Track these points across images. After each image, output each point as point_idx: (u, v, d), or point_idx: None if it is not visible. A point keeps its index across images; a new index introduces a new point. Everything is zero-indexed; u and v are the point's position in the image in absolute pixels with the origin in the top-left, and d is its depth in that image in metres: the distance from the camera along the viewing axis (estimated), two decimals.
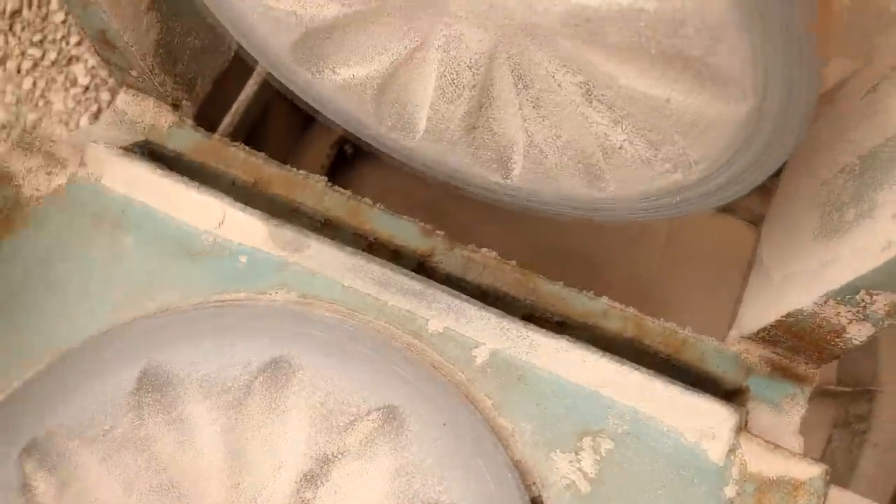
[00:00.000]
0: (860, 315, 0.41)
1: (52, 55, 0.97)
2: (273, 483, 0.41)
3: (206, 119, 0.56)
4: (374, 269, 0.45)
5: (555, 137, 0.40)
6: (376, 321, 0.44)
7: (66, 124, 0.91)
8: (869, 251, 0.38)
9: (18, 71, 0.96)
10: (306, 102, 0.46)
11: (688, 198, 0.41)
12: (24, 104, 0.94)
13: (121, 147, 0.49)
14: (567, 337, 0.45)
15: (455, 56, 0.37)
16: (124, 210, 0.47)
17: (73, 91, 0.95)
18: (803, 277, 0.44)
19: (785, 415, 0.48)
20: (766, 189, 0.54)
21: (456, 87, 0.38)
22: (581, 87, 0.36)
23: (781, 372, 0.48)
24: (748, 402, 0.48)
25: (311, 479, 0.41)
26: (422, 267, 0.50)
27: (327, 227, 0.52)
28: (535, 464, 0.42)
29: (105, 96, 0.94)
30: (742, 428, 0.44)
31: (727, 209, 0.83)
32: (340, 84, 0.41)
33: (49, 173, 0.46)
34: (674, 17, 0.29)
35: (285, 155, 0.71)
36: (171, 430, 0.41)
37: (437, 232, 0.50)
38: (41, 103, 0.95)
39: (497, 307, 0.46)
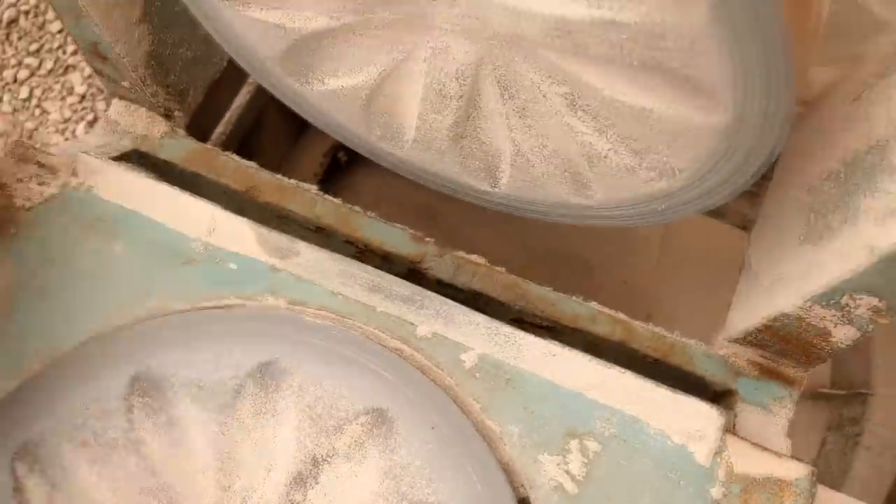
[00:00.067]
0: (845, 319, 0.42)
1: (48, 64, 0.97)
2: (263, 485, 0.41)
3: (199, 128, 0.57)
4: (364, 276, 0.46)
5: (541, 147, 0.40)
6: (365, 326, 0.45)
7: (63, 133, 0.92)
8: (852, 255, 0.38)
9: (15, 80, 0.97)
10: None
11: (673, 204, 0.41)
12: (20, 113, 0.95)
13: (113, 156, 0.49)
14: (555, 341, 0.45)
15: (442, 67, 0.37)
16: (116, 218, 0.47)
17: (69, 100, 0.95)
18: (789, 281, 0.44)
19: (773, 417, 0.48)
20: (758, 195, 0.55)
21: (443, 97, 0.39)
22: (565, 98, 0.36)
23: (769, 374, 0.49)
24: (736, 405, 0.48)
25: (300, 481, 0.41)
26: (412, 273, 0.51)
27: (318, 235, 0.52)
28: (523, 466, 0.42)
29: (101, 105, 0.94)
30: (729, 430, 0.45)
31: (720, 214, 0.83)
32: (329, 94, 0.42)
33: (41, 183, 0.47)
34: (653, 31, 0.30)
35: (279, 163, 0.72)
36: (162, 433, 0.42)
37: (427, 238, 0.51)
38: (37, 112, 0.95)
39: (487, 312, 0.46)
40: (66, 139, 0.92)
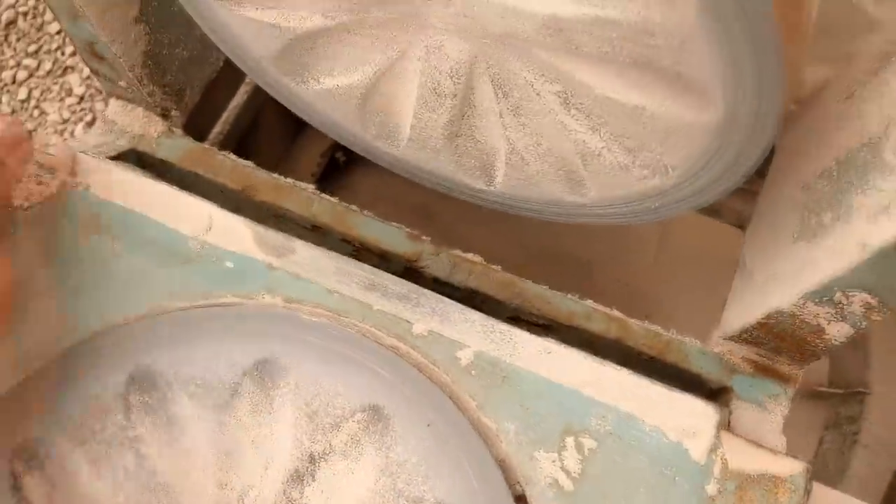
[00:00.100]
0: (838, 316, 0.42)
1: (47, 65, 0.98)
2: (261, 483, 0.41)
3: (196, 128, 0.57)
4: (359, 274, 0.46)
5: (535, 145, 0.41)
6: (361, 324, 0.45)
7: (61, 134, 0.92)
8: (844, 252, 0.38)
9: (14, 81, 0.97)
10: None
11: (667, 202, 0.42)
12: (19, 114, 0.95)
13: (110, 156, 0.50)
14: (550, 338, 0.45)
15: (436, 66, 0.38)
16: (113, 217, 0.47)
17: (67, 101, 0.96)
18: (783, 279, 0.44)
19: (768, 414, 0.48)
20: (754, 193, 0.55)
21: (437, 96, 0.39)
22: (559, 96, 0.37)
23: (764, 372, 0.49)
24: (732, 402, 0.48)
25: (298, 478, 0.42)
26: (409, 271, 0.51)
27: (315, 234, 0.53)
28: (519, 462, 0.42)
29: (100, 106, 0.95)
30: (724, 427, 0.45)
31: (718, 213, 0.84)
32: (325, 94, 0.42)
33: (40, 182, 0.47)
34: (643, 28, 0.30)
35: (277, 163, 0.72)
36: (160, 432, 0.42)
37: (423, 237, 0.51)
38: (36, 113, 0.96)
39: (483, 310, 0.47)
40: (65, 140, 0.92)
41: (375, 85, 0.41)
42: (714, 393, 0.50)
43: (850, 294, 0.40)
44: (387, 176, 0.81)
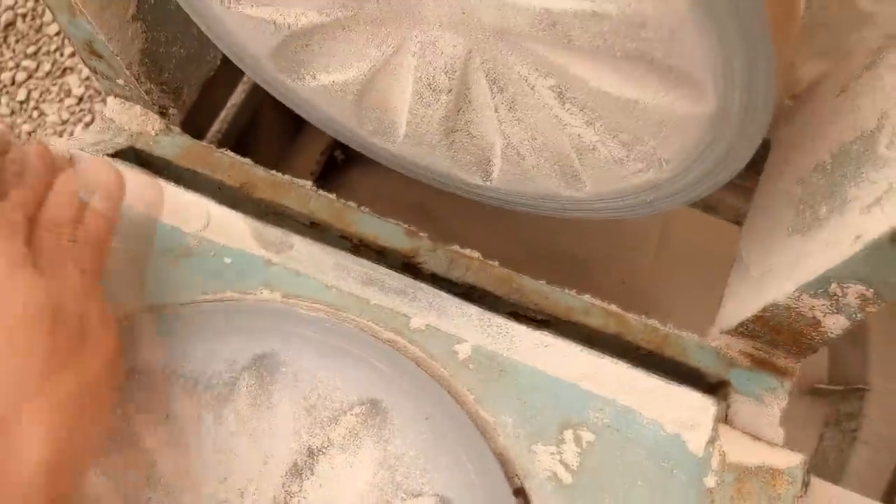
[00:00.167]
0: (834, 308, 0.42)
1: (46, 67, 0.98)
2: (260, 477, 0.42)
3: (194, 126, 0.57)
4: (357, 269, 0.47)
5: (531, 139, 0.41)
6: (359, 319, 0.45)
7: (61, 135, 0.93)
8: (839, 244, 0.39)
9: (13, 82, 0.97)
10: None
11: (662, 196, 0.42)
12: (18, 116, 0.96)
13: (109, 153, 0.50)
14: (548, 332, 0.46)
15: (431, 61, 0.38)
16: None
17: (67, 102, 0.96)
18: (779, 272, 0.45)
19: (766, 407, 0.48)
20: (753, 190, 0.55)
21: (433, 91, 0.39)
22: (553, 90, 0.37)
23: (761, 365, 0.49)
24: (730, 396, 0.48)
25: (296, 472, 0.42)
26: (407, 267, 0.51)
27: (313, 230, 0.53)
28: (517, 456, 0.43)
29: (99, 107, 0.95)
30: (722, 420, 0.45)
31: (717, 210, 0.84)
32: (321, 90, 0.42)
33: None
34: (634, 21, 0.30)
35: (275, 162, 0.72)
36: (159, 427, 0.42)
37: (421, 233, 0.52)
38: (35, 114, 0.96)
39: (481, 306, 0.47)
40: (66, 140, 0.93)
41: (371, 81, 0.41)
42: (712, 387, 0.50)
43: (846, 286, 0.40)
44: (385, 175, 0.81)
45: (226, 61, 0.48)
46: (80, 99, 0.95)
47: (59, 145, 0.47)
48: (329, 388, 0.43)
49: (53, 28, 0.98)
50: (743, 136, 0.35)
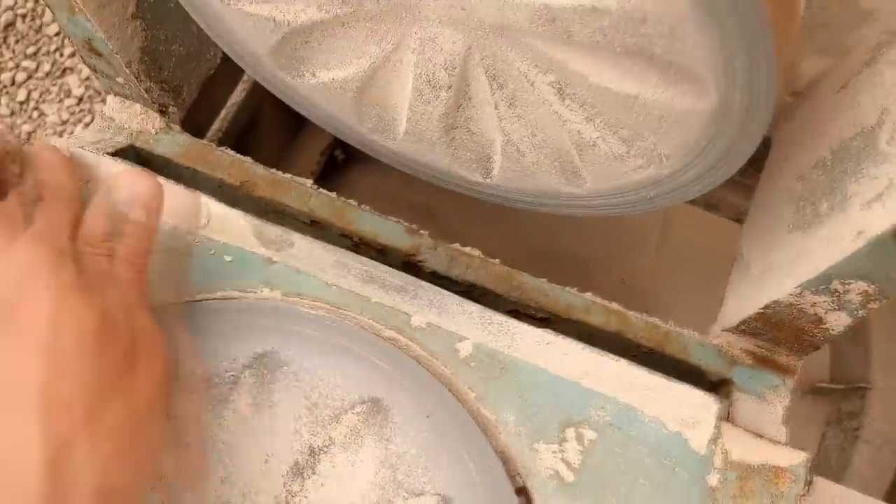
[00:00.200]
0: (836, 305, 0.42)
1: (45, 67, 0.98)
2: (261, 477, 0.42)
3: (194, 124, 0.57)
4: (358, 267, 0.46)
5: (531, 136, 0.41)
6: (360, 317, 0.45)
7: (61, 136, 0.93)
8: (840, 241, 0.39)
9: (13, 83, 0.98)
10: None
11: (662, 192, 0.42)
12: (18, 116, 0.96)
13: (109, 152, 0.50)
14: (549, 329, 0.45)
15: (430, 58, 0.38)
16: None
17: (66, 102, 0.96)
18: (780, 269, 0.44)
19: (768, 405, 0.48)
20: (752, 188, 0.55)
21: (433, 88, 0.39)
22: (553, 86, 0.37)
23: (763, 363, 0.49)
24: (732, 394, 0.48)
25: (297, 471, 0.42)
26: (407, 266, 0.51)
27: (314, 229, 0.53)
28: (519, 454, 0.42)
29: (99, 108, 0.95)
30: (724, 418, 0.45)
31: (718, 208, 0.84)
32: (321, 87, 0.42)
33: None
34: (634, 16, 0.30)
35: (276, 161, 0.72)
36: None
37: (422, 231, 0.52)
38: (35, 115, 0.96)
39: (482, 304, 0.47)
40: (66, 139, 0.93)
41: (371, 78, 0.41)
42: (714, 385, 0.50)
43: (847, 283, 0.40)
44: (385, 174, 0.81)
45: (226, 59, 0.48)
46: (80, 99, 0.95)
47: (59, 145, 0.47)
48: (330, 387, 0.43)
49: (53, 28, 0.98)
50: (744, 131, 0.35)
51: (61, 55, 0.97)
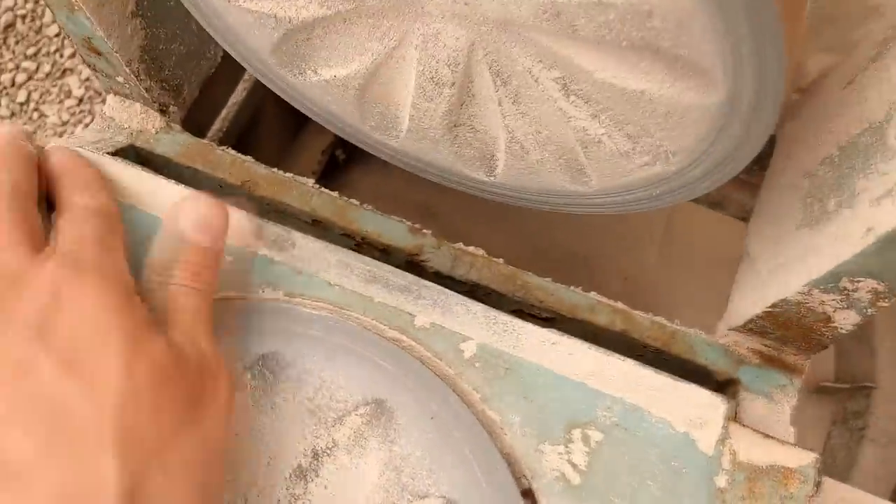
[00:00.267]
0: (845, 303, 0.41)
1: (46, 68, 0.98)
2: (264, 479, 0.41)
3: (195, 124, 0.57)
4: (360, 266, 0.46)
5: (535, 133, 0.40)
6: (363, 317, 0.45)
7: (61, 136, 0.93)
8: (849, 238, 0.38)
9: (13, 84, 0.97)
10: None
11: (669, 189, 0.41)
12: (18, 117, 0.95)
13: (109, 152, 0.50)
14: (554, 329, 0.45)
15: (433, 54, 0.37)
16: None
17: (67, 103, 0.96)
18: (788, 267, 0.44)
19: (776, 405, 0.48)
20: (758, 186, 0.55)
21: (436, 84, 0.39)
22: (558, 82, 0.36)
23: (771, 362, 0.49)
24: (739, 394, 0.48)
25: (301, 474, 0.41)
26: (410, 265, 0.51)
27: (315, 228, 0.52)
28: (524, 455, 0.42)
29: (99, 108, 0.95)
30: (732, 418, 0.44)
31: (722, 206, 0.83)
32: (323, 85, 0.42)
33: None
34: (641, 9, 0.30)
35: (277, 161, 0.72)
36: None
37: (425, 231, 0.51)
38: (35, 116, 0.96)
39: (486, 303, 0.46)
40: (66, 139, 0.93)
41: (373, 75, 0.40)
42: (720, 385, 0.50)
43: (857, 280, 0.39)
44: (387, 174, 0.81)
45: (226, 58, 0.47)
46: (81, 100, 0.95)
47: (59, 144, 0.46)
48: (333, 388, 0.42)
49: (53, 29, 0.98)
50: (752, 127, 0.34)
51: (61, 56, 0.97)
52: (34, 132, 0.94)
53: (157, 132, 0.54)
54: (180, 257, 0.39)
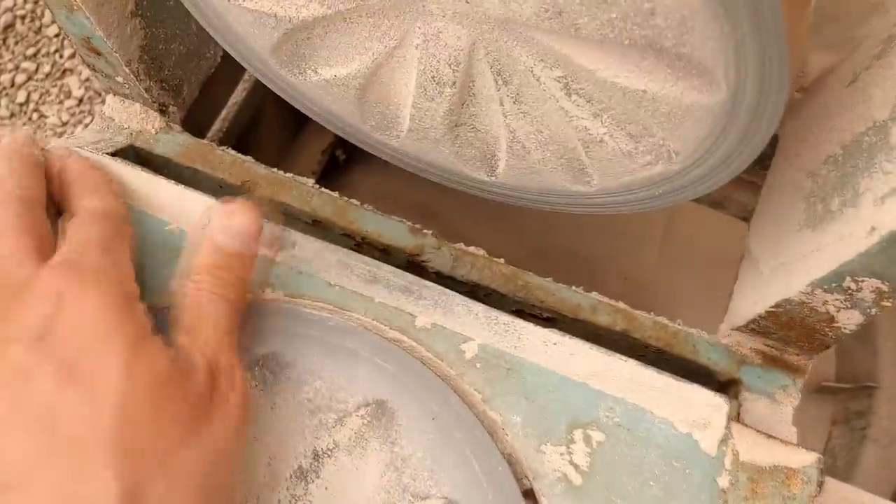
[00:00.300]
0: (848, 303, 0.41)
1: (45, 68, 0.98)
2: (263, 480, 0.41)
3: (194, 124, 0.57)
4: (361, 267, 0.46)
5: (537, 132, 0.40)
6: (364, 318, 0.44)
7: (60, 137, 0.93)
8: (853, 237, 0.38)
9: (12, 84, 0.97)
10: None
11: (671, 188, 0.41)
12: (18, 118, 0.95)
13: (108, 152, 0.49)
14: (555, 330, 0.45)
15: (434, 54, 0.37)
16: None
17: (66, 103, 0.96)
18: (791, 267, 0.44)
19: (778, 405, 0.48)
20: (760, 185, 0.55)
21: (437, 84, 0.39)
22: (559, 82, 0.36)
23: (773, 363, 0.49)
24: (741, 394, 0.48)
25: (301, 475, 0.41)
26: (411, 266, 0.51)
27: (316, 228, 0.52)
28: (526, 456, 0.42)
29: (99, 108, 0.95)
30: (734, 418, 0.44)
31: (723, 206, 0.83)
32: (323, 85, 0.42)
33: None
34: (644, 8, 0.30)
35: (277, 161, 0.72)
36: None
37: (425, 231, 0.51)
38: (35, 116, 0.96)
39: (487, 303, 0.46)
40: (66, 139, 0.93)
41: (374, 74, 0.40)
42: (722, 385, 0.50)
43: (860, 280, 0.39)
44: (387, 174, 0.81)
45: (226, 58, 0.47)
46: (80, 100, 0.95)
47: (58, 145, 0.46)
48: (334, 389, 0.42)
49: (53, 30, 0.98)
50: (754, 127, 0.34)
51: (61, 56, 0.97)
52: (34, 133, 0.94)
53: (156, 132, 0.54)
54: (208, 261, 0.39)
